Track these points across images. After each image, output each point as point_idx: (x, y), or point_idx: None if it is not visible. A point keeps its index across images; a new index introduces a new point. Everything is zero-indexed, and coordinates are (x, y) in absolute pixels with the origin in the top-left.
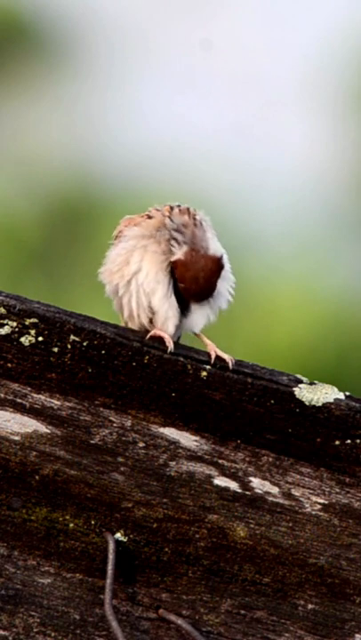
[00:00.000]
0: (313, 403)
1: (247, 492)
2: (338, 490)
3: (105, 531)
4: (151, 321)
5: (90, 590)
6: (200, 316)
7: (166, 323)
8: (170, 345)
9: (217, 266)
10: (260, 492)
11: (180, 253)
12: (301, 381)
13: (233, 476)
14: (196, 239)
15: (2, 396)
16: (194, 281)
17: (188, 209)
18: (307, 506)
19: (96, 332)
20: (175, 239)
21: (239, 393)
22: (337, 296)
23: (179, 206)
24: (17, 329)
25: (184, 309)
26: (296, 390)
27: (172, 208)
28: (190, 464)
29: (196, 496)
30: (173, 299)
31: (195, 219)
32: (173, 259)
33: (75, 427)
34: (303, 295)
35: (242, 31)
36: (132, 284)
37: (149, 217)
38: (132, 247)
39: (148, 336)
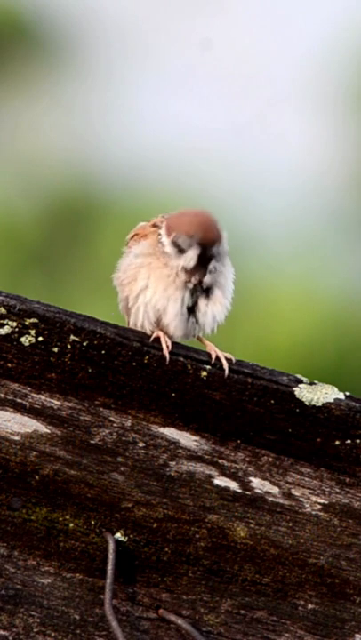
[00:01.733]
0: (313, 403)
1: (247, 492)
2: (338, 490)
3: (105, 531)
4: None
5: (90, 590)
6: (198, 326)
7: (173, 334)
8: (166, 353)
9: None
10: (260, 491)
11: (164, 227)
12: (301, 381)
13: (233, 476)
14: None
15: (2, 396)
16: (191, 224)
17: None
18: (307, 506)
19: (96, 331)
20: (160, 234)
21: (239, 393)
22: (337, 296)
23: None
24: (17, 329)
25: (189, 315)
26: (296, 390)
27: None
28: (190, 464)
29: (196, 496)
30: (185, 314)
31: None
32: (162, 231)
33: (75, 427)
34: (303, 295)
35: (242, 31)
36: (139, 299)
37: (155, 225)
38: (139, 264)
39: (151, 339)
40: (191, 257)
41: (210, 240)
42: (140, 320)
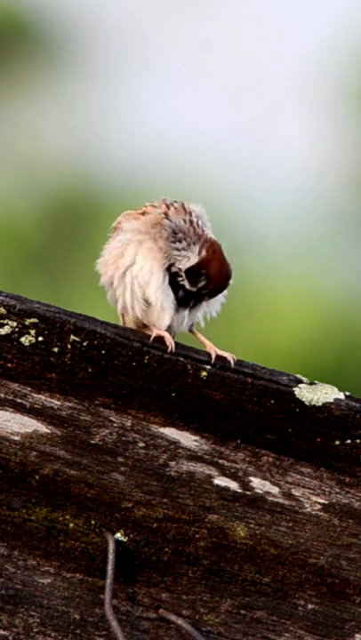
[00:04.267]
0: (313, 403)
1: (247, 492)
2: (338, 490)
3: (105, 531)
4: (146, 314)
5: (90, 590)
6: (197, 313)
7: (162, 315)
8: (171, 345)
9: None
10: (260, 491)
11: (194, 256)
12: (301, 381)
13: (233, 476)
14: (203, 235)
15: (2, 395)
16: (223, 274)
17: (182, 205)
18: (307, 506)
19: (96, 331)
20: (178, 249)
21: (239, 393)
22: (337, 296)
23: (173, 203)
24: (17, 329)
25: (182, 305)
26: (296, 390)
27: (167, 206)
28: (190, 464)
29: (196, 496)
30: (169, 290)
31: (190, 219)
32: (189, 264)
33: (75, 427)
34: (303, 295)
35: (242, 31)
36: (126, 275)
37: (144, 213)
38: (127, 240)
39: (151, 339)
40: (186, 287)
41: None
42: (128, 302)
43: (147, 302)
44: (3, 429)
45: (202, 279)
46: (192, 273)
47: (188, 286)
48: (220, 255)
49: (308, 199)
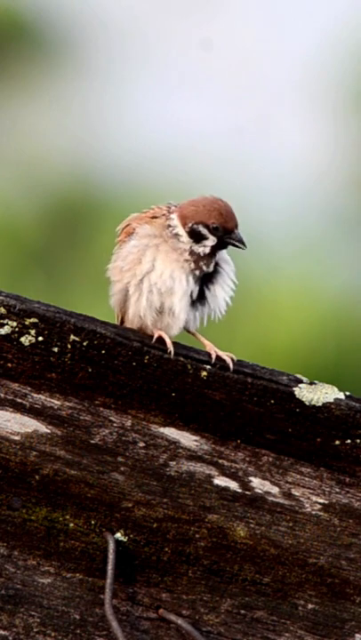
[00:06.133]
0: (313, 403)
1: (247, 492)
2: (338, 490)
3: (105, 531)
4: (155, 322)
5: (90, 590)
6: (198, 316)
7: (173, 324)
8: (170, 348)
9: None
10: (260, 491)
11: (176, 216)
12: (301, 381)
13: (233, 476)
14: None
15: (2, 395)
16: (215, 211)
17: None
18: (307, 506)
19: (96, 331)
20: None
21: (239, 393)
22: (337, 296)
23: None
24: (17, 329)
25: (194, 302)
26: (296, 390)
27: (168, 208)
28: (190, 464)
29: (196, 496)
30: (189, 299)
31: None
32: (174, 221)
33: (75, 427)
34: (303, 295)
35: (242, 31)
36: (144, 283)
37: (154, 216)
38: (144, 246)
39: (153, 340)
40: (209, 244)
41: (232, 226)
42: (142, 309)
43: (161, 311)
44: (3, 429)
45: (204, 230)
46: (195, 231)
47: (205, 268)
48: (199, 201)
49: (307, 199)
